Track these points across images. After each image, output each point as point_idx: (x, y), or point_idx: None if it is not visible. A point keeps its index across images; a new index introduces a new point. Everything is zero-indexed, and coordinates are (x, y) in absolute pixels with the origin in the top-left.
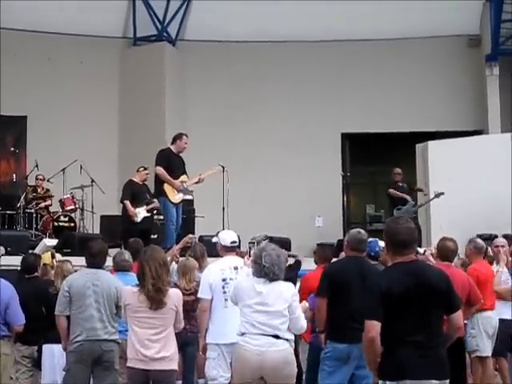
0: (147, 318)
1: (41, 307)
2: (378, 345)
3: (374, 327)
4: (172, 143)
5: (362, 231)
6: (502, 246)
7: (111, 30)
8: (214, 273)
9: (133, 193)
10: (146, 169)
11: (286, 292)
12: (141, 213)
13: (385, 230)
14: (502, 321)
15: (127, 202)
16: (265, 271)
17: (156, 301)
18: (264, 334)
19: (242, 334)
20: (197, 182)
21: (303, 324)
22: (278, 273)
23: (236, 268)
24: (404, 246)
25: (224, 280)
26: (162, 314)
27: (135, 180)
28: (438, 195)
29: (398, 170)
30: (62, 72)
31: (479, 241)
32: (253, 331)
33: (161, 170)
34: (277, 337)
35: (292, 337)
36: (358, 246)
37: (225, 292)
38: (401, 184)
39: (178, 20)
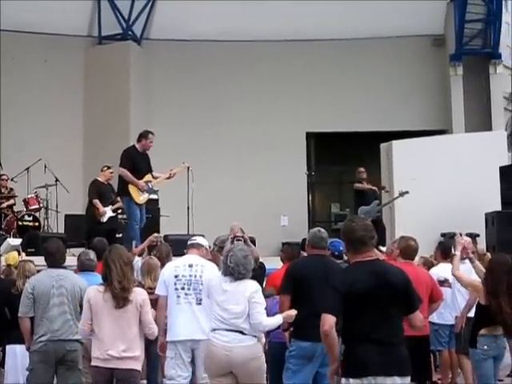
0: (112, 316)
1: (3, 307)
2: (334, 337)
3: (328, 320)
4: (138, 141)
5: (322, 229)
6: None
7: (76, 29)
8: (168, 270)
9: (99, 192)
10: (109, 167)
11: (247, 289)
12: (107, 212)
13: (342, 230)
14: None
15: (97, 201)
16: (230, 271)
17: (121, 299)
18: (232, 330)
19: (213, 330)
20: (168, 178)
21: (262, 321)
22: (243, 272)
23: (191, 265)
24: (362, 243)
25: (176, 276)
26: (126, 312)
27: (100, 180)
28: (402, 194)
29: (362, 169)
30: (26, 71)
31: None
32: (221, 327)
33: (124, 172)
34: (243, 333)
35: (259, 333)
36: (319, 244)
37: (176, 289)
38: (364, 182)
39: (143, 19)
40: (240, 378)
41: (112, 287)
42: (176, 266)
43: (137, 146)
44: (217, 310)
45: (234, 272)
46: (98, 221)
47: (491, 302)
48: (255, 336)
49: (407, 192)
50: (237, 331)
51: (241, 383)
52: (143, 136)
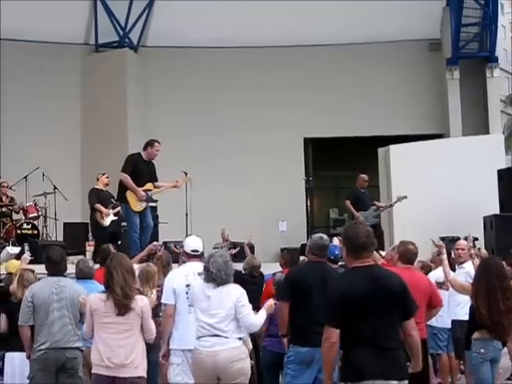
0: (114, 323)
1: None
2: (337, 350)
3: (333, 333)
4: (144, 149)
5: (325, 236)
6: (463, 249)
7: (73, 37)
8: (178, 278)
9: (99, 199)
10: (104, 174)
11: (232, 293)
12: (109, 216)
13: (343, 234)
14: (458, 322)
15: (99, 205)
16: (213, 277)
17: (123, 306)
18: (215, 335)
19: (198, 338)
20: (173, 187)
21: (253, 321)
22: (224, 277)
23: (200, 274)
24: (363, 249)
25: (188, 286)
26: (128, 319)
27: (98, 187)
28: (400, 199)
29: (366, 177)
30: (23, 79)
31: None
32: (205, 333)
33: (126, 178)
34: (226, 337)
35: (243, 335)
36: (321, 252)
37: (188, 298)
38: (363, 191)
39: (139, 26)
40: (224, 381)
41: (114, 294)
42: (186, 274)
43: (142, 153)
44: (201, 316)
45: (216, 278)
46: (102, 226)
47: (474, 304)
48: (239, 338)
49: (405, 197)
50: (219, 336)
51: None
52: (149, 144)
